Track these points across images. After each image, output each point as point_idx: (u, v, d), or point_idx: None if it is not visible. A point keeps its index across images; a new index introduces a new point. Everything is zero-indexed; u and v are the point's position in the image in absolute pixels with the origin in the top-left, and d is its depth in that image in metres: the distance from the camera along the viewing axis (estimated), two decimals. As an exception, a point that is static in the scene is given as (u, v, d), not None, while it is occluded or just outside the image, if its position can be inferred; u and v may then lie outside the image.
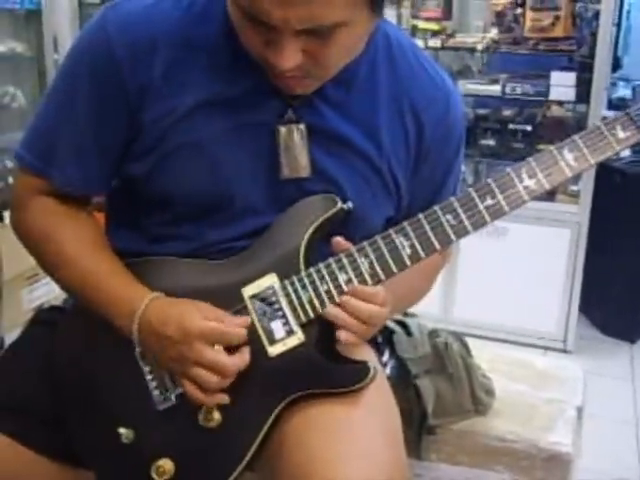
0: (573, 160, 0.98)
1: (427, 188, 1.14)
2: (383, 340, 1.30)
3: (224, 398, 0.99)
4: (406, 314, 1.51)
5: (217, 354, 0.97)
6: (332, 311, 0.99)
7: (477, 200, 0.99)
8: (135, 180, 1.06)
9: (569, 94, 2.95)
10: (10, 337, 1.93)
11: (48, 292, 2.89)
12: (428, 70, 1.11)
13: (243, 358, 0.99)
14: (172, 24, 1.00)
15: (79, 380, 1.08)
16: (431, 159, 1.11)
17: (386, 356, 1.33)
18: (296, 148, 1.03)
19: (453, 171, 1.17)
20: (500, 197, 0.99)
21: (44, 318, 1.21)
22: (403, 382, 1.41)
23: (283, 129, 1.03)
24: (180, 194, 1.04)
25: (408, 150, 1.09)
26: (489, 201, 0.99)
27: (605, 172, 2.97)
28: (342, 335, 0.99)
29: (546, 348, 3.09)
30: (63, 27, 3.32)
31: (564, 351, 3.09)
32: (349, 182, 1.06)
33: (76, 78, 1.03)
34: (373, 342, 1.23)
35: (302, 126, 1.03)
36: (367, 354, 1.15)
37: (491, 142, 3.23)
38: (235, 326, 0.99)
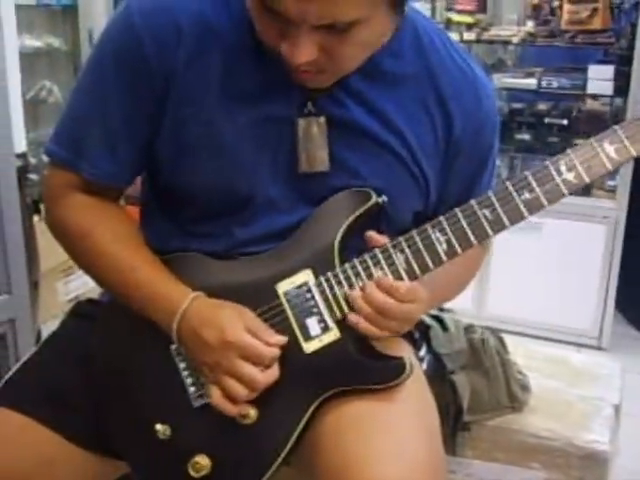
0: (614, 152, 0.95)
1: (460, 184, 1.12)
2: (420, 335, 1.29)
3: (247, 410, 0.98)
4: (442, 309, 1.50)
5: (252, 369, 0.96)
6: (353, 293, 0.99)
7: (514, 194, 0.97)
8: (161, 174, 1.07)
9: (607, 88, 2.90)
10: (46, 328, 1.95)
11: (83, 284, 2.93)
12: (457, 61, 1.08)
13: (274, 374, 0.98)
14: (194, 13, 0.99)
15: (116, 375, 1.09)
16: (464, 153, 1.09)
17: (423, 351, 1.32)
18: (315, 141, 1.02)
19: (487, 167, 1.14)
20: (538, 191, 0.96)
21: (82, 311, 1.21)
22: (439, 377, 1.40)
23: (302, 122, 1.01)
24: (200, 189, 1.04)
25: (437, 142, 1.07)
26: (527, 195, 0.97)
27: (643, 166, 2.92)
28: (352, 318, 0.98)
29: (580, 345, 3.06)
30: (98, 22, 3.34)
31: (599, 348, 3.06)
32: (372, 175, 1.04)
33: (103, 68, 1.03)
34: (410, 337, 1.22)
35: (322, 119, 1.02)
36: (404, 350, 1.14)
37: (526, 136, 3.19)
38: (272, 346, 0.98)
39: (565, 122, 3.12)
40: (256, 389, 0.97)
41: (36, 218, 2.17)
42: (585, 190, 2.88)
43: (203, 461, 1.02)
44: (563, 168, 0.96)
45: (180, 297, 1.00)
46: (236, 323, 0.97)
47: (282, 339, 0.99)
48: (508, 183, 0.97)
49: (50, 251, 1.12)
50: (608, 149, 0.96)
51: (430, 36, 1.07)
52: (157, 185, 1.11)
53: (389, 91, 1.04)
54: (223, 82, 1.00)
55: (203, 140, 1.01)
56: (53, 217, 1.11)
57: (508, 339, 1.63)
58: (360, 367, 1.00)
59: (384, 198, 1.03)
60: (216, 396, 0.98)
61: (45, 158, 1.15)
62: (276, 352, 0.98)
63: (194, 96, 1.00)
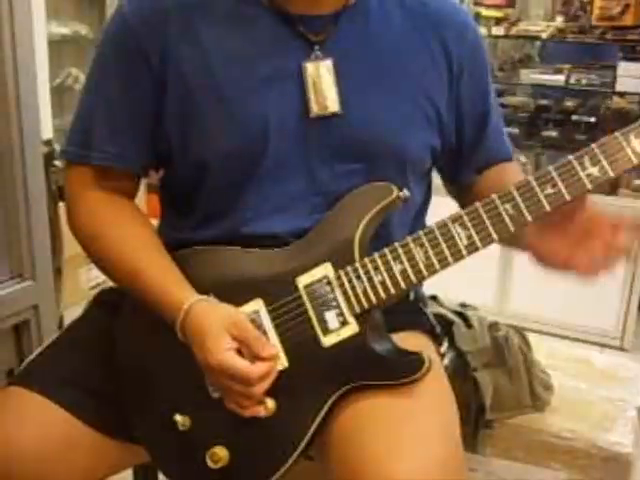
0: None
1: (472, 109, 1.14)
2: (442, 330, 1.28)
3: (260, 410, 0.98)
4: (466, 306, 1.49)
5: (241, 387, 0.95)
6: None
7: (537, 189, 0.95)
8: (172, 154, 1.08)
9: (637, 85, 2.86)
10: (68, 315, 1.97)
11: (105, 272, 2.94)
12: None
13: (268, 375, 0.97)
14: None
15: (137, 365, 1.09)
16: (464, 80, 1.12)
17: (444, 347, 1.30)
18: (324, 83, 1.03)
19: (489, 99, 1.17)
20: (561, 185, 0.95)
21: (105, 299, 1.22)
22: (461, 374, 1.39)
23: (310, 66, 1.04)
24: (213, 157, 1.04)
25: (438, 69, 1.10)
26: (549, 190, 0.95)
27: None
28: None
29: (602, 345, 3.03)
30: (125, 10, 3.34)
31: (621, 349, 3.03)
32: (382, 113, 1.06)
33: (103, 61, 1.09)
34: (431, 332, 1.21)
35: (329, 61, 1.04)
36: (423, 345, 1.14)
37: (553, 133, 3.15)
38: (265, 360, 0.96)
39: (593, 120, 3.07)
40: (255, 399, 0.97)
41: (61, 204, 2.18)
42: (611, 189, 2.84)
43: (221, 452, 1.02)
44: (587, 163, 0.95)
45: (177, 306, 1.00)
46: (220, 343, 0.96)
47: (274, 351, 0.98)
48: (530, 178, 0.96)
49: (73, 236, 1.14)
50: (634, 143, 0.94)
51: None
52: (170, 177, 1.14)
53: (384, 28, 1.08)
54: (220, 48, 1.04)
55: (210, 105, 1.04)
56: (69, 217, 1.13)
57: (530, 337, 1.61)
58: (378, 362, 1.00)
59: (405, 193, 1.03)
60: (228, 400, 0.99)
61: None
62: (263, 368, 0.96)
63: (193, 63, 1.04)
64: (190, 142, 1.06)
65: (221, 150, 1.04)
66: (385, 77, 1.07)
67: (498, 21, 3.17)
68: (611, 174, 0.95)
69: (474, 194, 1.16)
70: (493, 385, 1.45)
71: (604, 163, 0.94)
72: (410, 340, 1.08)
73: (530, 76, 3.15)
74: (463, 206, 1.05)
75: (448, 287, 1.25)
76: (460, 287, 1.87)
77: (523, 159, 3.12)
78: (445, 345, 1.32)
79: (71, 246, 1.22)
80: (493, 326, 1.51)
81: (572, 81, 3.01)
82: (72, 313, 1.25)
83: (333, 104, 1.04)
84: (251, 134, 1.03)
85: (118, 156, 1.08)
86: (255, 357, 0.96)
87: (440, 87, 1.10)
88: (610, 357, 2.21)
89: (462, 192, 1.23)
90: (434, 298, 1.48)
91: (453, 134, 1.14)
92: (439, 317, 1.39)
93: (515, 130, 3.21)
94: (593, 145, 0.95)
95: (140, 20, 1.05)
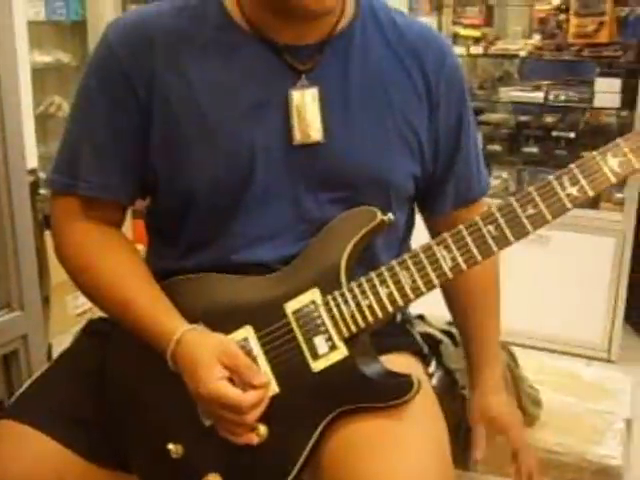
0: (617, 165, 0.96)
1: (445, 137, 1.15)
2: (429, 351, 1.29)
3: (253, 438, 0.98)
4: (453, 324, 1.50)
5: (234, 416, 0.96)
6: None
7: (519, 210, 0.98)
8: (158, 183, 1.08)
9: (614, 100, 2.90)
10: (56, 342, 1.96)
11: (93, 299, 2.93)
12: (415, 24, 1.16)
13: (259, 403, 0.97)
14: (166, 24, 1.06)
15: (129, 394, 1.10)
16: (443, 104, 1.13)
17: (432, 367, 1.31)
18: (308, 112, 1.04)
19: (464, 120, 1.17)
20: (542, 206, 0.97)
21: (94, 329, 1.22)
22: (450, 393, 1.40)
23: (296, 93, 1.04)
24: (200, 187, 1.05)
25: (420, 99, 1.11)
26: (531, 210, 0.97)
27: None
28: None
29: (590, 358, 3.04)
30: (107, 37, 3.35)
31: (608, 361, 3.04)
32: (366, 144, 1.07)
33: (88, 91, 1.08)
34: (419, 353, 1.23)
35: (315, 90, 1.05)
36: (412, 366, 1.15)
37: (534, 149, 3.19)
38: (256, 388, 0.96)
39: (572, 135, 3.11)
40: (247, 427, 0.97)
41: (47, 232, 2.18)
42: (593, 203, 2.87)
43: None
44: (567, 183, 0.97)
45: (168, 337, 1.00)
46: (211, 372, 0.96)
47: (265, 379, 0.98)
48: (512, 199, 0.98)
49: (60, 265, 1.14)
50: (611, 162, 0.96)
51: (384, 10, 1.13)
52: (157, 206, 1.14)
53: (367, 60, 1.09)
54: (204, 78, 1.04)
55: (196, 136, 1.04)
56: (56, 247, 1.14)
57: (517, 352, 1.62)
58: (368, 385, 1.01)
59: (390, 216, 1.04)
60: (220, 428, 1.00)
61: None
62: (255, 396, 0.96)
63: (177, 95, 1.04)
64: (176, 172, 1.06)
65: (207, 180, 1.05)
66: (369, 107, 1.08)
67: (476, 40, 3.21)
68: (590, 193, 0.97)
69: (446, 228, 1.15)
70: (482, 402, 1.46)
71: (583, 183, 0.96)
72: (398, 362, 1.09)
73: (510, 94, 3.19)
74: (433, 237, 1.07)
75: (436, 304, 1.27)
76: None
77: (505, 175, 3.15)
78: (433, 365, 1.33)
79: (58, 273, 1.22)
80: (480, 344, 1.52)
81: (551, 98, 3.05)
82: (60, 341, 1.25)
83: (316, 133, 1.05)
84: (237, 165, 1.04)
85: (104, 187, 1.08)
86: (247, 385, 0.96)
87: (421, 116, 1.12)
88: (597, 370, 2.22)
89: (435, 224, 1.24)
90: (421, 317, 1.49)
91: (431, 164, 1.15)
92: (427, 336, 1.40)
93: (497, 147, 3.24)
94: (572, 165, 0.97)
95: (126, 50, 1.05)
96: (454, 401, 1.42)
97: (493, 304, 1.27)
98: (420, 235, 1.22)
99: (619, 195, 2.95)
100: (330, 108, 1.06)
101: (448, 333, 1.46)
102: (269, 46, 1.05)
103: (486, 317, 1.26)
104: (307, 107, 1.04)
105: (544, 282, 3.05)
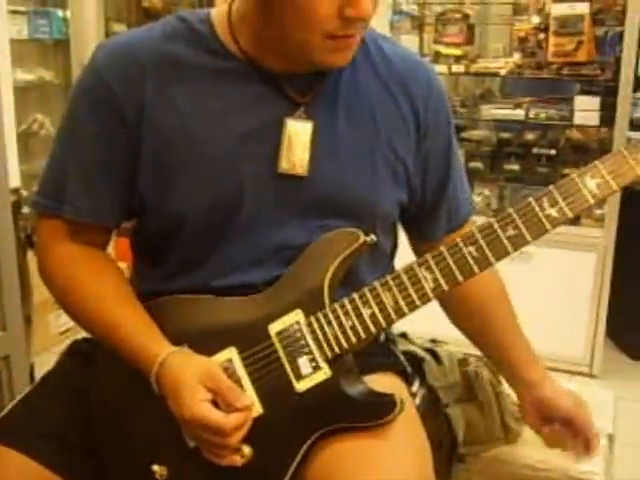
0: (596, 187, 0.98)
1: (435, 164, 1.16)
2: (413, 369, 1.30)
3: (237, 460, 0.98)
4: (436, 342, 1.51)
5: (216, 438, 0.96)
6: None
7: (499, 231, 0.99)
8: (146, 207, 1.08)
9: (594, 118, 2.94)
10: (39, 361, 1.95)
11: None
12: (401, 51, 1.17)
13: (242, 425, 0.97)
14: (156, 49, 1.05)
15: (114, 415, 1.09)
16: (430, 132, 1.14)
17: (416, 386, 1.32)
18: (299, 143, 1.04)
19: (452, 142, 1.19)
20: (522, 227, 0.98)
21: (78, 350, 1.22)
22: (433, 411, 1.41)
23: (291, 122, 1.05)
24: (187, 213, 1.05)
25: (405, 122, 1.11)
26: (511, 231, 0.99)
27: (632, 195, 2.95)
28: None
29: (572, 373, 3.06)
30: (90, 55, 3.36)
31: (590, 376, 3.06)
32: (353, 177, 1.08)
33: (76, 114, 1.08)
34: (402, 372, 1.23)
35: (309, 124, 1.05)
36: (395, 386, 1.16)
37: (515, 166, 3.21)
38: (240, 410, 0.96)
39: (553, 152, 3.15)
40: (231, 449, 0.97)
41: (29, 251, 2.17)
42: (574, 219, 2.89)
43: None
44: (546, 204, 0.98)
45: (152, 359, 1.01)
46: (194, 395, 0.96)
47: (248, 402, 0.98)
48: (492, 220, 0.99)
49: (42, 283, 1.13)
50: (590, 184, 0.98)
51: (371, 37, 1.13)
52: (143, 228, 1.14)
53: (360, 89, 1.09)
54: (195, 105, 1.04)
55: (185, 164, 1.04)
56: (41, 268, 1.13)
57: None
58: (351, 405, 1.01)
59: (372, 237, 1.05)
60: (204, 450, 1.00)
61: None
62: (238, 419, 0.96)
63: (168, 122, 1.04)
64: (164, 198, 1.06)
65: (195, 207, 1.05)
66: (356, 137, 1.08)
67: (458, 59, 3.24)
68: (569, 215, 0.98)
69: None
70: (465, 420, 1.47)
71: (562, 205, 0.98)
72: (382, 381, 1.10)
73: (491, 111, 3.22)
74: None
75: (418, 320, 1.27)
76: (431, 320, 1.89)
77: (487, 192, 3.17)
78: (417, 384, 1.34)
79: (40, 291, 1.22)
80: (463, 361, 1.53)
81: (531, 115, 3.08)
82: (43, 360, 1.24)
83: (302, 166, 1.05)
84: (226, 193, 1.05)
85: (91, 211, 1.08)
86: (230, 407, 0.96)
87: (409, 144, 1.12)
88: (580, 385, 2.23)
89: (425, 249, 1.24)
90: (404, 335, 1.50)
91: (420, 189, 1.16)
92: (409, 355, 1.41)
93: (479, 164, 3.27)
94: (551, 187, 0.99)
95: (115, 76, 1.04)
96: (437, 419, 1.43)
97: (508, 313, 1.31)
98: (404, 254, 1.22)
99: (599, 211, 2.98)
100: (321, 142, 1.06)
101: (431, 351, 1.48)
102: (263, 74, 1.05)
103: (507, 328, 1.30)
104: (299, 138, 1.05)
105: (526, 298, 3.04)
